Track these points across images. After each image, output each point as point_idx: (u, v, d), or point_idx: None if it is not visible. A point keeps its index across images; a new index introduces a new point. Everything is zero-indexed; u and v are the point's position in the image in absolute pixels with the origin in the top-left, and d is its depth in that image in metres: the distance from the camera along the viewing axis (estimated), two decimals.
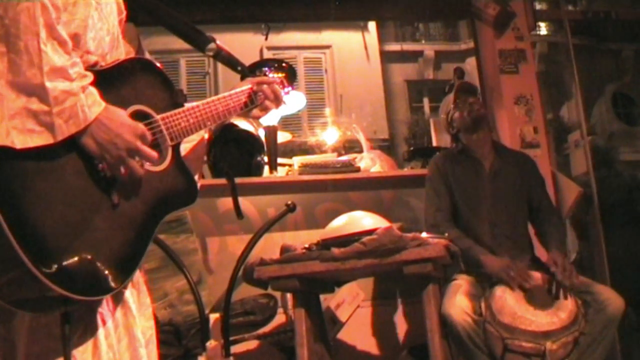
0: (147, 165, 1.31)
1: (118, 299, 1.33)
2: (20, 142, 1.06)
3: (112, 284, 1.20)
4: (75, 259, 1.13)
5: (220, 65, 12.06)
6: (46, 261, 1.08)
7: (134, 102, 1.31)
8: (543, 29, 14.48)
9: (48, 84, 1.10)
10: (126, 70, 1.33)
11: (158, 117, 1.36)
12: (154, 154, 1.28)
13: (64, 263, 1.11)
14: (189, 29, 1.66)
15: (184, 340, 2.88)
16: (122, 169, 1.22)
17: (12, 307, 1.11)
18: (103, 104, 1.19)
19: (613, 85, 15.14)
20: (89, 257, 1.16)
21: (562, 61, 13.07)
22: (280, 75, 1.82)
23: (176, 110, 1.41)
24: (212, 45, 1.68)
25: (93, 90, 1.18)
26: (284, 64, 3.52)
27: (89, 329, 1.25)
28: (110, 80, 1.27)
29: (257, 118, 1.77)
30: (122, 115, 1.23)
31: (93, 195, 1.19)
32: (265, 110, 1.70)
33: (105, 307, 1.29)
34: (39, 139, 1.09)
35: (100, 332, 1.27)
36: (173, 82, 1.47)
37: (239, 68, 1.79)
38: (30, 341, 1.17)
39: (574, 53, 4.61)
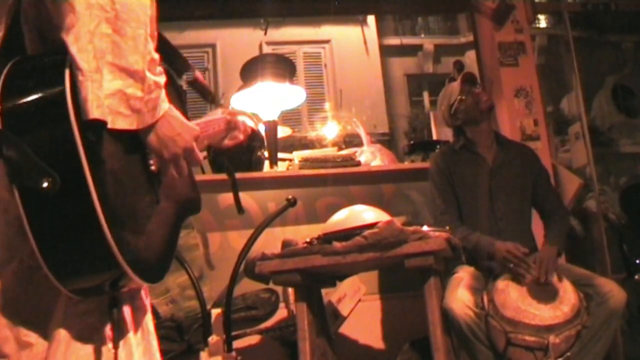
0: None
1: (131, 294, 1.34)
2: (110, 121, 1.08)
3: (159, 274, 1.25)
4: (141, 246, 1.16)
5: (219, 62, 12.13)
6: (127, 245, 1.09)
7: None
8: (542, 21, 14.46)
9: (147, 73, 1.12)
10: None
11: None
12: (201, 158, 1.33)
13: (137, 250, 1.14)
14: (174, 51, 1.68)
15: (186, 336, 2.88)
16: (173, 167, 1.26)
17: (68, 293, 1.12)
18: (168, 103, 1.22)
19: (613, 77, 15.12)
20: (147, 246, 1.19)
21: (562, 53, 13.06)
22: (249, 113, 1.91)
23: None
24: (190, 73, 1.72)
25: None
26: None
27: (120, 319, 1.27)
28: None
29: (224, 147, 1.82)
30: (180, 116, 1.26)
31: (145, 188, 1.22)
32: (234, 139, 1.76)
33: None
34: (125, 122, 1.11)
35: (127, 323, 1.29)
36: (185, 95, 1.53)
37: (210, 97, 1.85)
38: (66, 328, 1.18)
39: (573, 45, 4.61)
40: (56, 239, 1.06)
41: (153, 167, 1.24)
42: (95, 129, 1.06)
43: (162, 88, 1.17)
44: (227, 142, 1.76)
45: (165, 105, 1.20)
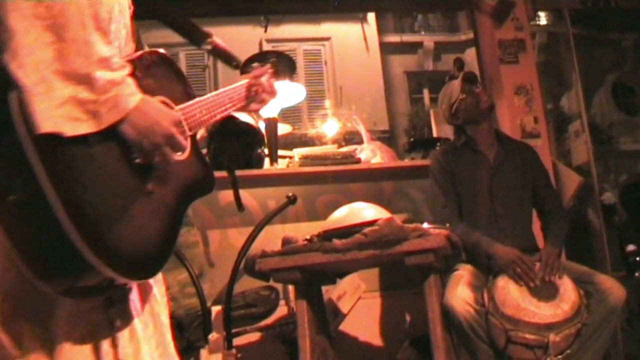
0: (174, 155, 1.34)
1: (143, 286, 1.36)
2: (69, 129, 1.08)
3: (153, 268, 1.26)
4: (124, 244, 1.16)
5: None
6: (104, 249, 1.10)
7: (156, 93, 1.34)
8: (543, 19, 14.45)
9: (95, 74, 1.12)
10: (147, 63, 1.35)
11: (177, 108, 1.39)
12: (185, 142, 1.32)
13: (117, 250, 1.14)
14: (186, 23, 1.67)
15: (186, 333, 2.88)
16: (157, 156, 1.25)
17: (58, 295, 1.13)
18: (140, 94, 1.22)
19: (613, 75, 15.12)
20: (134, 242, 1.19)
21: (562, 51, 13.05)
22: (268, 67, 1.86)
23: (191, 102, 1.45)
24: (209, 41, 1.70)
25: (130, 80, 1.21)
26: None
27: (125, 315, 1.28)
28: (134, 72, 1.29)
29: (255, 111, 1.79)
30: (157, 104, 1.26)
31: (130, 182, 1.22)
32: (262, 102, 1.77)
33: (134, 294, 1.32)
34: (85, 126, 1.10)
35: (135, 317, 1.30)
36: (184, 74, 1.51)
37: (234, 63, 1.82)
38: (70, 328, 1.19)
39: (573, 43, 4.61)
40: (35, 249, 1.08)
41: (138, 160, 1.23)
42: (54, 137, 1.05)
43: (121, 84, 1.16)
44: (254, 106, 1.75)
45: (134, 97, 1.19)
